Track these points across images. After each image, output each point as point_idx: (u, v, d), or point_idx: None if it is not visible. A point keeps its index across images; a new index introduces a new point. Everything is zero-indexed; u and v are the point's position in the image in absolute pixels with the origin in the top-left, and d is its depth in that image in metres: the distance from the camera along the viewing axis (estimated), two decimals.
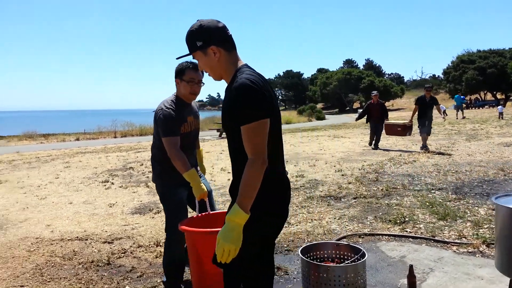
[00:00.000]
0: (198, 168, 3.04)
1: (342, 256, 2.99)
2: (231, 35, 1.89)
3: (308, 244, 2.95)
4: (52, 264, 3.62)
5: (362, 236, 4.09)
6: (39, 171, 9.16)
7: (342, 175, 7.23)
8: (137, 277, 3.30)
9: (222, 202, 5.66)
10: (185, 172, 2.73)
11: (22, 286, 3.19)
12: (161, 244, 4.05)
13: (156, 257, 3.71)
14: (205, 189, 2.88)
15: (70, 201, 6.08)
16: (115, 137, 21.02)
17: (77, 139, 19.51)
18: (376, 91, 11.92)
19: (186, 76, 2.82)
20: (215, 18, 1.91)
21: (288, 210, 1.93)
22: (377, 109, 11.16)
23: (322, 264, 2.68)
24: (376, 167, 7.91)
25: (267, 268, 1.98)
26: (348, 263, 2.75)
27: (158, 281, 3.20)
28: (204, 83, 2.91)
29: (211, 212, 2.98)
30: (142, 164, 9.55)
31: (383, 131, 11.30)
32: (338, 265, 2.71)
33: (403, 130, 10.93)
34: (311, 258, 2.96)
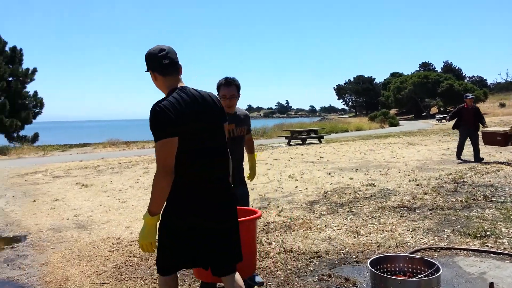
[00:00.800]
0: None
1: (414, 270, 2.86)
2: (167, 63, 2.18)
3: (379, 256, 2.86)
4: (130, 264, 3.87)
5: (438, 250, 3.87)
6: (120, 176, 9.83)
7: (417, 184, 6.89)
8: None
9: (289, 209, 5.67)
10: None
11: (103, 283, 3.45)
12: None
13: None
14: None
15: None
16: None
17: (143, 147, 20.62)
18: (471, 94, 10.23)
19: (220, 92, 3.22)
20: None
21: (212, 211, 2.20)
22: (471, 114, 9.57)
23: (393, 277, 2.58)
24: (455, 177, 7.43)
25: (177, 255, 2.22)
26: (421, 277, 2.61)
27: None
28: (237, 95, 3.28)
29: None
30: None
31: (481, 140, 9.61)
32: (410, 279, 2.60)
33: (504, 139, 9.03)
34: (381, 271, 2.86)
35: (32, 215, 6.06)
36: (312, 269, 3.55)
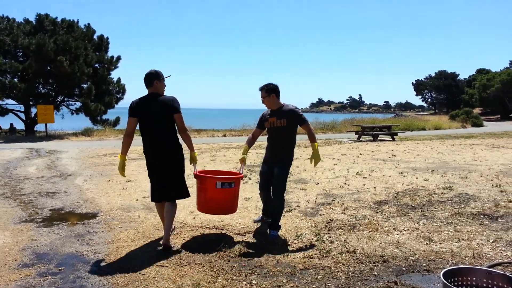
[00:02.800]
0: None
1: None
2: (145, 81, 4.13)
3: (453, 267, 2.57)
4: (190, 249, 3.89)
5: None
6: (188, 162, 10.07)
7: (501, 191, 6.23)
8: (264, 273, 3.31)
9: (355, 208, 5.39)
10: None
11: (163, 266, 3.49)
12: (289, 243, 4.02)
13: (284, 256, 3.69)
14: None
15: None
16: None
17: (224, 135, 21.04)
18: None
19: None
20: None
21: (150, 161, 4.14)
22: None
23: None
24: None
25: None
26: None
27: (284, 280, 3.17)
28: (267, 95, 4.36)
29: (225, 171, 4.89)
30: None
31: None
32: None
33: None
34: (455, 284, 2.57)
35: (105, 194, 6.40)
36: (376, 274, 3.30)
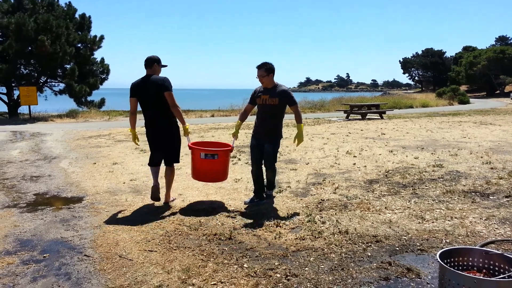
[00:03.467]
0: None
1: (491, 267, 2.48)
2: (145, 63, 4.66)
3: (449, 248, 2.51)
4: (180, 233, 3.80)
5: None
6: None
7: (491, 168, 6.23)
8: (255, 256, 3.24)
9: (346, 187, 5.34)
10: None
11: (151, 250, 3.39)
12: (280, 225, 3.95)
13: (275, 238, 3.62)
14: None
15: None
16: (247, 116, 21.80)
17: (212, 116, 20.80)
18: None
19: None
20: None
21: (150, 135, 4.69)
22: None
23: (468, 275, 2.23)
24: None
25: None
26: (504, 277, 2.24)
27: (276, 263, 3.09)
28: (266, 75, 4.51)
29: (212, 142, 5.29)
30: None
31: None
32: (488, 279, 2.23)
33: None
34: (451, 264, 2.52)
35: (91, 177, 6.24)
36: (369, 254, 3.25)
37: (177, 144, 4.73)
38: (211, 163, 4.56)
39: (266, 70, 4.49)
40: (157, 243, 3.55)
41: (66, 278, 2.96)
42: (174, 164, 4.82)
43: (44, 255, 3.37)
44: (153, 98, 4.49)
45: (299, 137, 4.62)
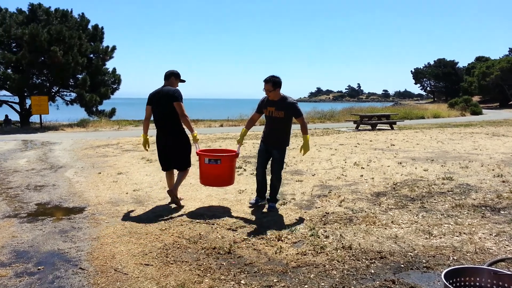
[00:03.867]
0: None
1: None
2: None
3: (455, 267, 2.38)
4: (178, 246, 3.71)
5: None
6: None
7: (503, 181, 6.04)
8: (254, 272, 3.13)
9: (352, 200, 5.20)
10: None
11: (148, 264, 3.30)
12: (282, 239, 3.84)
13: (276, 253, 3.50)
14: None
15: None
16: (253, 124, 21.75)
17: (221, 125, 20.79)
18: None
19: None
20: None
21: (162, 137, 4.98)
22: None
23: None
24: None
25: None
26: None
27: (275, 280, 2.98)
28: (273, 89, 4.61)
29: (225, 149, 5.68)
30: None
31: None
32: None
33: None
34: (458, 285, 2.38)
35: (94, 187, 6.20)
36: (373, 271, 3.12)
37: (187, 152, 5.10)
38: (214, 168, 4.81)
39: (273, 84, 4.60)
40: (154, 257, 3.46)
41: None
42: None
43: (39, 267, 3.30)
44: (165, 109, 4.83)
45: (305, 147, 4.77)
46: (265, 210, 4.85)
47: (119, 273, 3.16)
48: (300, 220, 4.42)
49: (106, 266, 3.29)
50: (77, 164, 8.40)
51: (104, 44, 24.58)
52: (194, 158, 5.52)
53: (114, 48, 24.68)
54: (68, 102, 23.79)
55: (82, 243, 3.84)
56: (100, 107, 23.90)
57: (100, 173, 7.36)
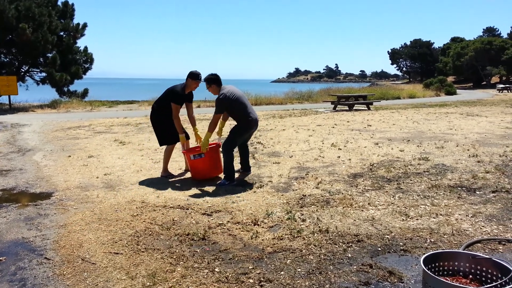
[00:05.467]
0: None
1: (478, 272, 2.30)
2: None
3: (434, 252, 2.32)
4: (150, 233, 3.56)
5: (504, 243, 3.25)
6: None
7: (478, 161, 6.10)
8: (229, 259, 3.02)
9: (329, 181, 5.14)
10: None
11: (117, 253, 3.15)
12: (258, 223, 3.74)
13: (252, 238, 3.40)
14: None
15: (180, 167, 6.15)
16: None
17: (198, 106, 20.46)
18: None
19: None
20: None
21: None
22: None
23: (454, 284, 2.05)
24: None
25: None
26: (491, 287, 2.05)
27: (250, 267, 2.88)
28: (208, 86, 5.13)
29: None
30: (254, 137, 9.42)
31: None
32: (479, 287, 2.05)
33: None
34: (436, 269, 2.33)
35: (63, 171, 5.95)
36: (350, 255, 3.06)
37: (158, 131, 5.61)
38: (201, 161, 5.17)
39: (207, 82, 5.06)
40: (124, 245, 3.31)
41: (21, 285, 2.71)
42: (166, 148, 5.60)
43: (1, 258, 3.11)
44: (159, 101, 5.47)
45: (202, 144, 5.10)
46: (240, 194, 4.73)
47: (86, 262, 3.00)
48: (277, 203, 4.33)
49: (73, 256, 3.13)
50: (46, 147, 8.07)
51: (75, 21, 23.63)
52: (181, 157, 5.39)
53: (85, 25, 23.78)
54: (39, 82, 22.89)
55: (48, 231, 3.65)
56: (72, 87, 23.17)
57: (70, 156, 7.08)
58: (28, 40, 19.21)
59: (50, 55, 21.51)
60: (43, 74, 22.18)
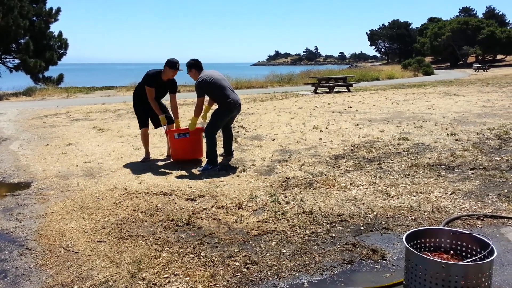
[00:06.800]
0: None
1: (459, 247, 2.36)
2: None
3: (415, 230, 2.37)
4: (133, 220, 3.53)
5: (482, 218, 3.34)
6: None
7: (456, 140, 6.22)
8: (214, 243, 3.02)
9: (312, 163, 5.18)
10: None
11: (100, 241, 3.12)
12: (243, 207, 3.74)
13: (236, 222, 3.41)
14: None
15: (162, 153, 6.09)
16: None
17: (179, 91, 20.22)
18: None
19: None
20: None
21: None
22: None
23: (436, 259, 2.10)
24: (499, 132, 6.70)
25: None
26: (471, 261, 2.11)
27: (236, 250, 2.90)
28: (188, 71, 5.21)
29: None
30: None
31: None
32: (456, 263, 2.10)
33: None
34: (418, 246, 2.38)
35: (41, 160, 5.82)
36: (333, 235, 3.10)
37: (138, 114, 5.72)
38: (185, 141, 5.24)
39: (188, 67, 5.16)
40: (107, 233, 3.27)
41: (2, 277, 2.65)
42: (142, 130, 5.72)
43: None
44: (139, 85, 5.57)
45: (190, 126, 5.18)
46: (223, 179, 4.72)
47: (69, 252, 2.96)
48: (261, 186, 4.34)
49: (55, 245, 3.08)
50: (23, 136, 7.86)
51: (48, 5, 22.86)
52: (162, 137, 5.31)
53: (58, 10, 23.08)
54: (12, 69, 22.19)
55: (29, 221, 3.58)
56: (46, 74, 22.58)
57: (47, 144, 6.92)
58: None
59: (22, 41, 20.84)
60: (17, 60, 21.50)
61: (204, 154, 5.32)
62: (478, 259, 2.11)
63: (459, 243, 2.32)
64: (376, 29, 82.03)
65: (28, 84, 21.09)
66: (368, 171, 4.75)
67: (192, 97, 15.83)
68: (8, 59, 22.44)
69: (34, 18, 22.05)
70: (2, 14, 18.49)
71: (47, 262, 2.83)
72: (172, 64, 5.26)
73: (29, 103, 15.46)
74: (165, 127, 5.57)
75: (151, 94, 5.34)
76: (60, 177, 4.92)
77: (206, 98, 5.14)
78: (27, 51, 20.29)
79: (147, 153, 5.73)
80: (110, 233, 3.26)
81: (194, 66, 5.13)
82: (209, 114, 5.32)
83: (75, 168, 5.34)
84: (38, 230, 3.38)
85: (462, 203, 3.67)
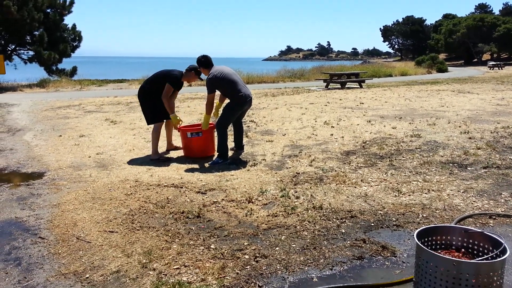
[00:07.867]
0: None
1: (470, 246, 2.34)
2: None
3: (427, 227, 2.35)
4: (145, 211, 3.56)
5: (494, 217, 3.31)
6: None
7: (469, 138, 6.15)
8: (224, 236, 3.04)
9: (322, 159, 5.16)
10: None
11: (112, 231, 3.16)
12: (253, 200, 3.75)
13: (246, 215, 3.42)
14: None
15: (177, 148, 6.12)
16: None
17: (190, 85, 20.27)
18: None
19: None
20: None
21: None
22: None
23: (446, 257, 2.08)
24: None
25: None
26: (484, 259, 2.09)
27: (245, 243, 2.91)
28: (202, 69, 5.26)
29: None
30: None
31: None
32: (468, 261, 2.08)
33: None
34: (429, 243, 2.37)
35: (55, 151, 5.89)
36: (343, 231, 3.10)
37: (147, 110, 5.51)
38: (198, 139, 5.29)
39: (198, 64, 5.18)
40: (119, 223, 3.31)
41: (16, 264, 2.71)
42: (151, 127, 5.61)
43: None
44: (153, 77, 5.53)
45: (203, 125, 5.18)
46: (234, 172, 4.74)
47: (81, 241, 3.01)
48: (271, 181, 4.34)
49: (68, 235, 3.12)
50: (37, 127, 7.97)
51: None
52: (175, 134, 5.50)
53: (72, 2, 23.18)
54: (26, 61, 22.42)
55: (42, 210, 3.64)
56: (60, 66, 22.75)
57: (61, 135, 7.01)
58: (14, 18, 18.72)
59: (37, 33, 21.04)
60: (31, 52, 21.72)
61: (215, 150, 5.33)
62: (490, 258, 2.09)
63: (470, 241, 2.30)
64: (390, 25, 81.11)
65: (41, 76, 21.33)
66: (379, 168, 4.73)
67: (203, 92, 15.88)
68: (22, 51, 22.69)
69: (48, 10, 22.23)
70: (17, 7, 18.67)
71: (60, 251, 2.87)
72: (199, 73, 5.35)
73: (42, 94, 15.64)
74: (179, 124, 5.53)
75: (169, 92, 5.30)
76: (73, 168, 4.98)
77: (217, 93, 5.12)
78: (41, 43, 20.48)
79: (157, 151, 5.49)
80: (121, 223, 3.30)
81: (203, 63, 5.15)
82: (221, 110, 5.33)
83: (87, 159, 5.41)
84: (51, 219, 3.43)
85: (474, 201, 3.63)
